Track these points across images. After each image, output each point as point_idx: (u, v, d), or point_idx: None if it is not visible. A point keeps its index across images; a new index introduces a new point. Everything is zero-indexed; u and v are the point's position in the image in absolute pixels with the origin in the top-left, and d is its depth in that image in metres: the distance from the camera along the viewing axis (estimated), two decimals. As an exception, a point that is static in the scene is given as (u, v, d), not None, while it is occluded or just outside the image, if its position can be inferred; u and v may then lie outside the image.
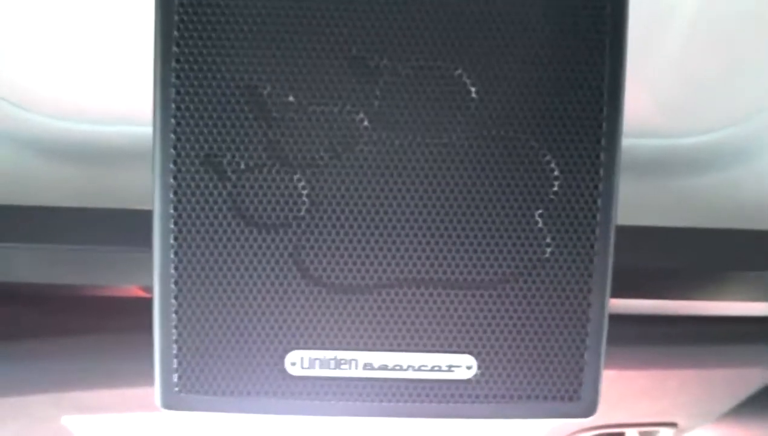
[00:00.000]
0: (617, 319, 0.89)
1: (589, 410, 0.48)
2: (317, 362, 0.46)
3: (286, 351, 0.46)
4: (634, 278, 0.79)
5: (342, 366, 0.46)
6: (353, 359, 0.46)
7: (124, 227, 0.65)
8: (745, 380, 0.90)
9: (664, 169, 0.84)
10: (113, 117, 0.70)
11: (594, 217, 0.47)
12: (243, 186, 0.45)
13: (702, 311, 0.91)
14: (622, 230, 0.75)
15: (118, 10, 0.59)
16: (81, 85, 0.67)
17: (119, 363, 0.77)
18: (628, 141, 0.82)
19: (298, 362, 0.46)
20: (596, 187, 0.46)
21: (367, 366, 0.46)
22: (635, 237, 0.76)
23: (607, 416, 0.94)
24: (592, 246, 0.47)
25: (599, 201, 0.46)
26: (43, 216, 0.67)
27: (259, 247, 0.46)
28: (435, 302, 0.47)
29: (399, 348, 0.47)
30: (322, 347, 0.46)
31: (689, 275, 0.79)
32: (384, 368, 0.47)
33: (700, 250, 0.77)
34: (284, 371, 0.46)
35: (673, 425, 0.96)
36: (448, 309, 0.47)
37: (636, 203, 0.86)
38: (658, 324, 0.88)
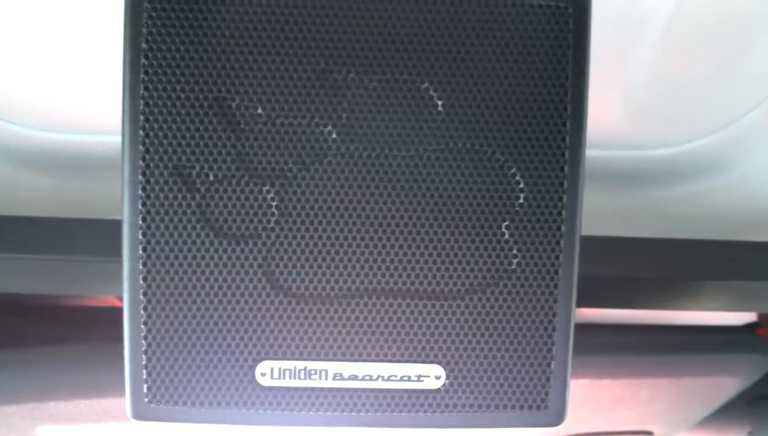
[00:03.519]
0: (591, 328, 0.90)
1: (557, 418, 0.48)
2: (288, 372, 0.46)
3: (257, 361, 0.46)
4: (608, 288, 0.80)
5: (312, 376, 0.47)
6: (323, 369, 0.47)
7: (104, 237, 0.65)
8: (718, 388, 0.91)
9: (636, 180, 0.85)
10: (93, 127, 0.70)
11: (559, 228, 0.47)
12: (212, 197, 0.46)
13: (675, 320, 0.92)
14: (595, 240, 0.76)
15: (98, 20, 0.59)
16: (60, 95, 0.67)
17: (95, 373, 0.76)
18: (601, 152, 0.83)
19: (269, 372, 0.46)
20: (561, 199, 0.47)
21: (337, 376, 0.47)
22: (609, 247, 0.77)
23: (583, 425, 0.95)
24: (557, 257, 0.47)
25: (564, 212, 0.47)
26: (21, 226, 0.67)
27: (228, 258, 0.46)
28: (404, 312, 0.47)
29: (369, 358, 0.47)
30: (293, 357, 0.46)
31: (662, 285, 0.80)
32: (354, 378, 0.47)
33: (673, 260, 0.78)
34: (254, 381, 0.46)
35: (648, 433, 0.97)
36: (416, 319, 0.47)
37: (609, 214, 0.87)
38: (631, 333, 0.89)
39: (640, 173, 0.85)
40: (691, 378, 0.88)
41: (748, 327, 0.95)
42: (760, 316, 0.95)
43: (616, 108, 0.76)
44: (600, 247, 0.77)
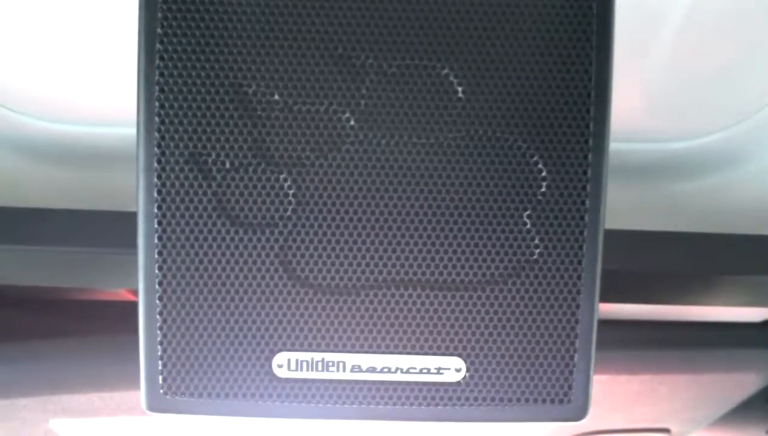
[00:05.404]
0: (609, 323, 0.89)
1: (580, 412, 0.47)
2: (305, 363, 0.46)
3: (273, 353, 0.45)
4: (627, 283, 0.78)
5: (330, 368, 0.46)
6: (341, 361, 0.46)
7: (116, 229, 0.65)
8: (737, 385, 0.89)
9: (654, 174, 0.84)
10: (105, 118, 0.70)
11: (582, 218, 0.46)
12: (228, 185, 0.45)
13: (694, 315, 0.91)
14: (613, 235, 0.75)
15: (109, 10, 0.58)
16: (72, 87, 0.67)
17: (108, 366, 0.76)
18: (619, 145, 0.82)
19: (285, 364, 0.46)
20: (584, 188, 0.46)
21: (355, 368, 0.46)
22: (627, 241, 0.76)
23: (601, 421, 0.94)
24: (580, 247, 0.46)
25: (587, 202, 0.46)
26: (35, 218, 0.67)
27: (245, 247, 0.45)
28: (423, 303, 0.46)
29: (387, 350, 0.46)
30: (310, 348, 0.46)
31: (681, 280, 0.79)
32: (372, 370, 0.46)
33: (692, 254, 0.77)
34: (271, 373, 0.46)
35: (666, 430, 0.96)
36: (436, 311, 0.46)
37: (627, 207, 0.86)
38: (649, 329, 0.87)
39: (657, 167, 0.84)
40: (710, 375, 0.87)
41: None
42: None
43: (634, 100, 0.75)
44: (618, 241, 0.75)
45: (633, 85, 0.72)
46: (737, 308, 0.88)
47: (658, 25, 0.64)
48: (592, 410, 0.91)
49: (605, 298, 0.84)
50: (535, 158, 0.46)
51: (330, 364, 0.46)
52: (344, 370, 0.46)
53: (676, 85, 0.73)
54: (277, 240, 0.45)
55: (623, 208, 0.85)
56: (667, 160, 0.82)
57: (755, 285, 0.79)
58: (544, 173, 0.46)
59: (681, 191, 0.86)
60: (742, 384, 0.90)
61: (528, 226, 0.46)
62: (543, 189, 0.46)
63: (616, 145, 0.81)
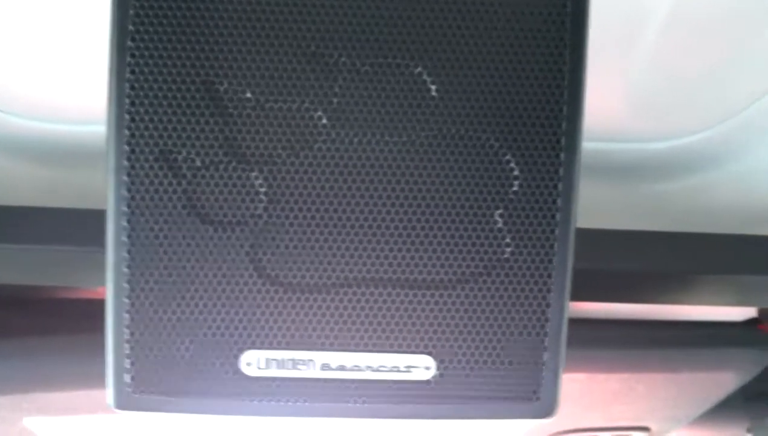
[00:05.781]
0: (589, 322, 0.89)
1: (549, 410, 0.47)
2: (274, 362, 0.46)
3: (242, 351, 0.45)
4: (606, 282, 0.79)
5: (299, 366, 0.46)
6: (310, 360, 0.46)
7: (94, 227, 0.64)
8: (716, 383, 0.90)
9: (638, 173, 0.84)
10: (88, 117, 0.69)
11: (554, 217, 0.46)
12: (198, 183, 0.45)
13: (674, 314, 0.91)
14: (597, 234, 0.76)
15: (91, 9, 0.58)
16: (54, 85, 0.66)
17: (82, 365, 0.75)
18: (603, 145, 0.82)
19: (254, 362, 0.45)
20: (556, 187, 0.46)
21: (325, 366, 0.46)
22: (610, 241, 0.76)
23: (580, 419, 0.94)
24: (551, 246, 0.46)
25: (559, 201, 0.46)
26: (12, 216, 0.66)
27: (215, 245, 0.45)
28: (394, 302, 0.46)
29: (357, 348, 0.46)
30: (279, 347, 0.46)
31: (660, 279, 0.79)
32: (342, 368, 0.46)
33: (674, 254, 0.78)
34: (239, 371, 0.45)
35: (645, 429, 0.96)
36: (407, 309, 0.46)
37: (611, 207, 0.86)
38: (629, 328, 0.88)
39: (641, 166, 0.84)
40: (689, 374, 0.87)
41: (749, 323, 0.94)
42: (761, 311, 0.94)
43: (617, 100, 0.75)
44: (601, 240, 0.76)
45: (616, 84, 0.73)
46: (719, 307, 0.89)
47: (642, 24, 0.64)
48: (571, 409, 0.92)
49: (586, 296, 0.84)
50: (508, 157, 0.46)
51: (299, 362, 0.46)
52: (314, 368, 0.46)
53: (660, 85, 0.73)
54: (247, 238, 0.45)
55: (607, 207, 0.85)
56: (649, 159, 0.83)
57: (737, 285, 0.80)
58: (516, 172, 0.46)
59: (664, 191, 0.86)
60: (721, 383, 0.90)
61: (499, 224, 0.46)
62: (515, 188, 0.46)
63: (599, 144, 0.82)
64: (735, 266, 0.78)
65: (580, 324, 0.88)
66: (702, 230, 0.79)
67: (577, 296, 0.85)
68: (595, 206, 0.83)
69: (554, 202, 0.46)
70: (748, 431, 1.00)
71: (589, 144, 0.83)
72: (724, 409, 0.98)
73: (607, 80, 0.72)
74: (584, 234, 0.76)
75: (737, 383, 0.92)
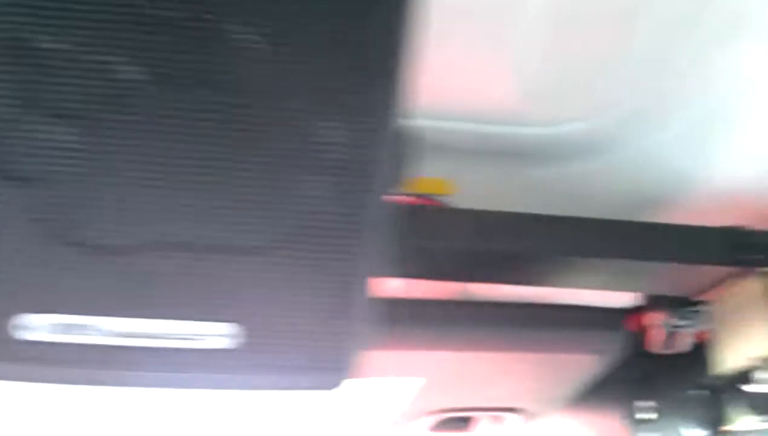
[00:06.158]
0: (465, 303, 0.88)
1: (342, 379, 0.45)
2: (52, 326, 0.42)
3: (13, 313, 0.42)
4: (482, 262, 0.77)
5: (77, 331, 0.42)
6: (93, 325, 0.43)
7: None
8: (587, 365, 0.90)
9: (521, 157, 0.84)
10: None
11: (367, 189, 0.44)
12: None
13: (551, 298, 0.91)
14: (476, 215, 0.74)
15: None
16: None
17: None
18: (486, 127, 0.81)
19: (26, 325, 0.42)
20: (371, 158, 0.44)
21: (110, 333, 0.43)
22: (490, 222, 0.75)
23: (456, 399, 0.93)
24: (362, 219, 0.44)
25: (373, 172, 0.44)
26: None
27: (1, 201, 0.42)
28: (196, 267, 0.44)
29: (150, 315, 0.43)
30: (58, 310, 0.42)
31: (539, 261, 0.78)
32: (131, 335, 0.43)
33: (552, 236, 0.77)
34: (8, 334, 0.42)
35: (519, 410, 0.96)
36: (210, 275, 0.44)
37: (493, 189, 0.85)
38: (504, 308, 0.87)
39: (526, 150, 0.83)
40: (561, 355, 0.87)
41: (626, 310, 0.94)
42: (649, 298, 0.94)
43: (504, 85, 0.75)
44: (483, 221, 0.75)
45: (504, 70, 0.73)
46: (589, 290, 0.88)
47: (530, 11, 0.64)
48: (446, 388, 0.91)
49: (463, 277, 0.83)
50: (323, 125, 0.44)
51: (79, 327, 0.42)
52: (96, 334, 0.43)
53: (547, 73, 0.73)
54: (36, 195, 0.42)
55: (491, 189, 0.85)
56: (535, 144, 0.82)
57: (615, 269, 0.79)
58: (332, 140, 0.44)
59: (547, 176, 0.86)
60: (592, 366, 0.90)
61: (310, 192, 0.44)
62: (329, 156, 0.44)
63: (484, 127, 0.81)
64: (613, 251, 0.78)
65: (457, 304, 0.87)
66: (583, 214, 0.78)
67: (457, 276, 0.85)
68: (480, 188, 0.82)
69: (368, 173, 0.44)
70: (623, 418, 1.01)
71: (474, 126, 0.83)
72: (600, 392, 0.98)
73: (495, 64, 0.73)
74: (467, 215, 0.75)
75: (609, 368, 0.92)
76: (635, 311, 0.99)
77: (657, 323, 0.94)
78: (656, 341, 0.93)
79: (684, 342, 0.91)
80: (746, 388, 0.69)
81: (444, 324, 0.80)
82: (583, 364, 0.88)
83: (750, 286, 0.78)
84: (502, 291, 0.89)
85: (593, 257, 0.77)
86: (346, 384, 0.44)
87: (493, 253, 0.76)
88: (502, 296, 0.88)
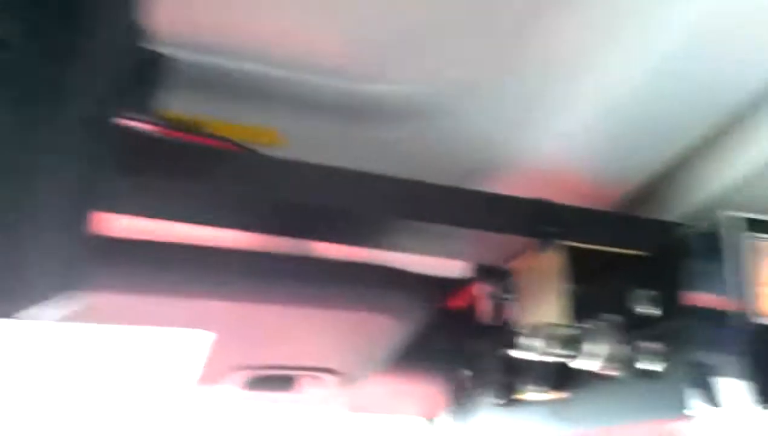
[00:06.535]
0: (277, 256, 0.86)
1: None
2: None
3: None
4: (294, 216, 0.75)
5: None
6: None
7: None
8: (396, 329, 0.88)
9: (353, 114, 0.82)
10: None
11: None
12: None
13: (356, 256, 0.88)
14: (301, 167, 0.72)
15: None
16: None
17: None
18: (319, 79, 0.79)
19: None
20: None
21: None
22: (315, 176, 0.73)
23: (256, 356, 0.90)
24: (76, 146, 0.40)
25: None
26: None
27: None
28: None
29: None
30: None
31: (349, 219, 0.76)
32: None
33: (377, 196, 0.75)
34: None
35: (336, 372, 0.94)
36: None
37: (325, 144, 0.83)
38: (312, 264, 0.85)
39: (357, 108, 0.81)
40: (369, 317, 0.85)
41: (442, 279, 0.94)
42: (476, 269, 0.94)
43: (337, 38, 0.73)
44: (309, 175, 0.72)
45: (337, 23, 0.72)
46: (408, 253, 0.87)
47: None
48: (247, 344, 0.87)
49: (282, 231, 0.81)
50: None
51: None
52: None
53: (381, 31, 0.73)
54: None
55: (322, 144, 0.82)
56: (367, 102, 0.80)
57: (421, 232, 0.78)
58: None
59: (380, 135, 0.84)
60: (404, 330, 0.89)
61: None
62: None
63: (317, 78, 0.78)
64: (422, 214, 0.76)
65: (264, 257, 0.84)
66: (411, 177, 0.77)
67: (276, 230, 0.82)
68: (311, 143, 0.80)
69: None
70: (442, 384, 1.01)
71: (308, 77, 0.80)
72: (419, 360, 0.98)
73: (326, 17, 0.71)
74: (289, 167, 0.72)
75: (426, 335, 0.92)
76: (464, 282, 0.99)
77: (483, 293, 0.94)
78: (483, 311, 0.93)
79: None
80: (522, 357, 0.69)
81: (227, 273, 0.78)
82: (393, 327, 0.87)
83: (547, 258, 0.78)
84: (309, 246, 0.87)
85: (403, 219, 0.76)
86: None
87: (315, 208, 0.74)
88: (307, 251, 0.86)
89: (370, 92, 0.80)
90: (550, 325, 0.70)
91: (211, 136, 0.70)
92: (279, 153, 0.75)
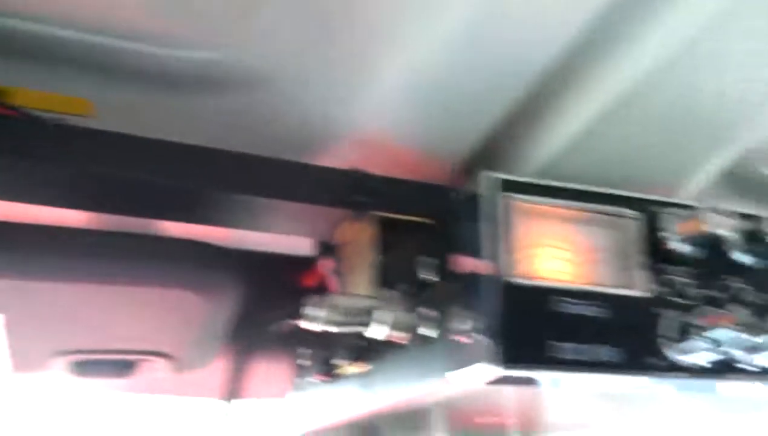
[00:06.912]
0: (89, 232, 0.82)
1: None
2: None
3: None
4: (104, 191, 0.72)
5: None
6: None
7: None
8: (214, 306, 0.86)
9: (168, 82, 0.79)
10: None
11: None
12: None
13: (193, 234, 0.86)
14: (116, 139, 0.68)
15: None
16: None
17: None
18: (128, 45, 0.75)
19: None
20: None
21: None
22: (131, 148, 0.70)
23: (81, 340, 0.87)
24: None
25: None
26: None
27: None
28: None
29: None
30: None
31: (163, 193, 0.73)
32: None
33: (199, 169, 0.72)
34: None
35: (163, 355, 0.91)
36: None
37: (142, 113, 0.79)
38: (128, 240, 0.81)
39: (173, 74, 0.78)
40: (176, 291, 0.81)
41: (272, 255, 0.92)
42: (320, 246, 0.92)
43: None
44: (126, 146, 0.69)
45: None
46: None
47: None
48: (55, 325, 0.84)
49: (95, 207, 0.77)
50: None
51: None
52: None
53: None
54: None
55: (139, 113, 0.79)
56: (183, 68, 0.77)
57: (240, 206, 0.76)
58: None
59: (198, 104, 0.81)
60: (218, 308, 0.86)
61: None
62: None
63: (124, 43, 0.74)
64: (239, 187, 0.74)
65: (79, 233, 0.81)
66: (230, 148, 0.74)
67: (88, 206, 0.78)
68: (128, 112, 0.77)
69: None
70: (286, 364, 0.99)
71: (113, 41, 0.76)
72: (257, 341, 0.96)
73: None
74: (98, 138, 0.69)
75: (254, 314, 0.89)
76: (311, 260, 0.97)
77: (328, 270, 0.92)
78: (332, 288, 0.91)
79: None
80: (309, 328, 0.67)
81: (19, 250, 0.74)
82: (211, 305, 0.84)
83: (361, 229, 0.76)
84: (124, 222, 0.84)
85: (221, 192, 0.74)
86: None
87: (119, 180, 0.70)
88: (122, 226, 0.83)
89: (187, 60, 0.77)
90: (340, 295, 0.69)
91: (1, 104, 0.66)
92: (92, 124, 0.71)
